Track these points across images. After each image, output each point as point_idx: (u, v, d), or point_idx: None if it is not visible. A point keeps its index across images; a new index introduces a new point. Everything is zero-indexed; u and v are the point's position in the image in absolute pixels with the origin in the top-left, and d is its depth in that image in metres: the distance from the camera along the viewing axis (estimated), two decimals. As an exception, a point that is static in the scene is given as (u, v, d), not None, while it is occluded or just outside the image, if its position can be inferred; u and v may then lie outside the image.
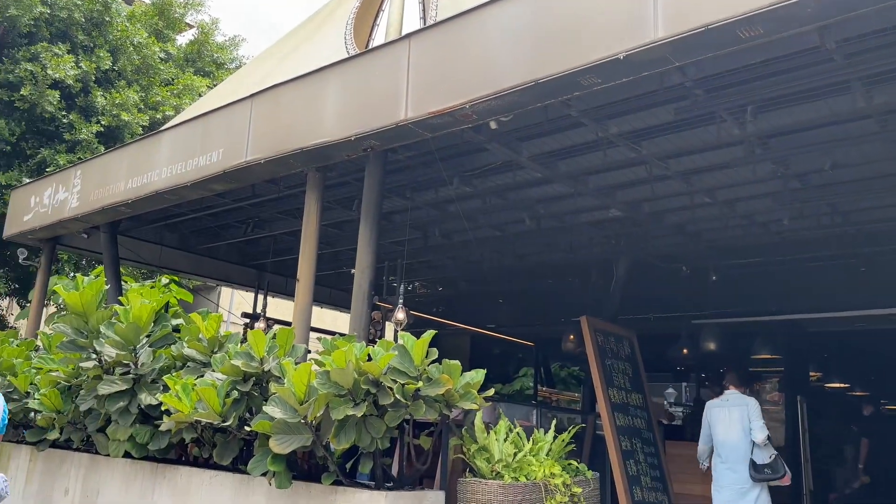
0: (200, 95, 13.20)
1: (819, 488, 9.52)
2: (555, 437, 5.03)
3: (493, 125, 4.69)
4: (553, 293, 10.94)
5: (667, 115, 5.49)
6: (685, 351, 9.46)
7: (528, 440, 4.99)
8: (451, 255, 10.04)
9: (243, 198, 7.83)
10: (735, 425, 5.90)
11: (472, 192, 7.21)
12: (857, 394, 14.54)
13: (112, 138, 12.55)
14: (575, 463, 5.08)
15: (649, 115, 5.53)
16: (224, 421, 4.46)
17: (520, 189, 7.21)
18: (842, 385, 13.25)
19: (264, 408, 4.20)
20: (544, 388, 13.59)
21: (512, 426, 5.01)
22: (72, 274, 11.73)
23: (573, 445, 5.09)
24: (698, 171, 6.52)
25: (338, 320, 11.86)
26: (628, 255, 8.88)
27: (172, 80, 14.26)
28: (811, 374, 11.64)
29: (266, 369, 4.53)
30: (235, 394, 4.54)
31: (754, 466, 5.78)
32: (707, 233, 8.50)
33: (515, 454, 4.79)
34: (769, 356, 10.30)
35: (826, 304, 9.29)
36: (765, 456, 5.80)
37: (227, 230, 9.52)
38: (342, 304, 10.79)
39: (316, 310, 8.83)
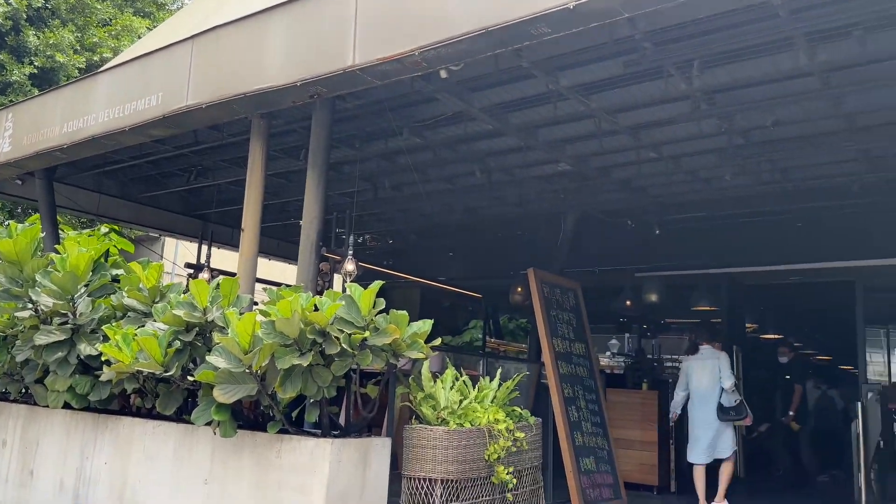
0: (140, 37, 12.63)
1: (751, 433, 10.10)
2: (500, 385, 5.14)
3: (443, 74, 4.63)
4: (502, 246, 11.04)
5: (616, 69, 5.50)
6: (629, 303, 9.72)
7: (474, 388, 5.09)
8: (402, 207, 9.99)
9: (185, 145, 7.60)
10: (707, 375, 6.96)
11: (422, 144, 7.15)
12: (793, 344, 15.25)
13: (46, 81, 11.96)
14: (518, 409, 5.21)
15: (599, 68, 5.53)
16: (166, 371, 4.40)
17: (470, 141, 7.17)
18: (776, 336, 13.87)
19: (208, 358, 4.15)
20: (493, 340, 13.84)
21: (458, 375, 5.09)
22: (6, 222, 11.27)
23: (517, 393, 5.21)
24: (645, 126, 6.59)
25: (286, 272, 11.75)
26: (576, 210, 8.99)
27: (110, 20, 13.61)
28: (747, 325, 12.13)
29: (209, 319, 4.47)
30: (178, 344, 4.47)
31: (721, 409, 6.84)
32: (653, 188, 8.65)
33: (461, 402, 4.88)
34: (708, 308, 10.67)
35: (763, 259, 9.63)
36: (731, 400, 6.87)
37: (169, 179, 9.25)
38: (291, 256, 10.68)
39: (264, 262, 8.72)
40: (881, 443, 7.65)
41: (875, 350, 10.51)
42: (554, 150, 7.15)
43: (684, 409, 7.13)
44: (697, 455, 6.79)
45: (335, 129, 6.34)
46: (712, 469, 6.91)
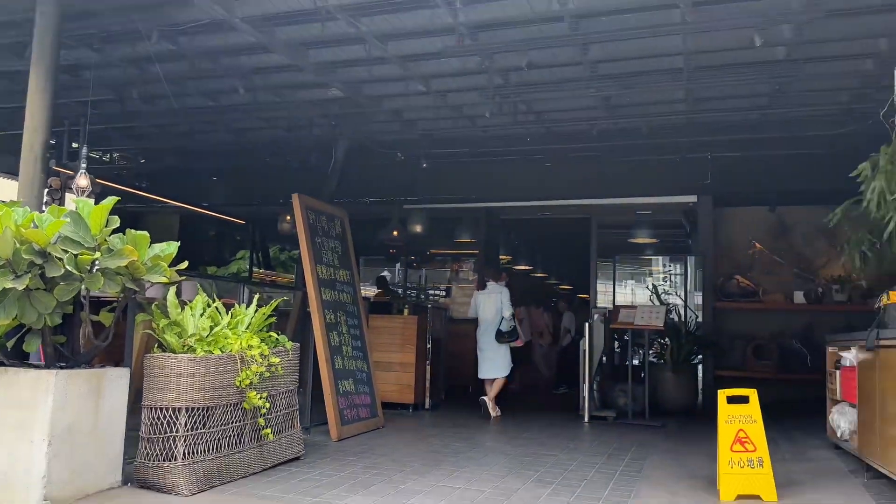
0: None
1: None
2: (256, 311, 5.00)
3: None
4: (272, 173, 10.65)
5: (384, -8, 5.42)
6: (395, 233, 9.98)
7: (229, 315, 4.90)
8: (156, 123, 9.14)
9: None
10: (492, 306, 8.31)
11: (177, 52, 6.52)
12: (539, 274, 16.82)
13: None
14: (275, 335, 5.13)
15: (369, -12, 5.41)
16: None
17: (233, 54, 6.70)
18: (526, 267, 15.19)
19: None
20: (262, 271, 13.44)
21: (210, 302, 4.86)
22: None
23: (273, 318, 5.12)
24: (414, 57, 6.64)
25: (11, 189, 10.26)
26: (347, 138, 8.92)
27: None
28: (501, 256, 13.10)
29: None
30: None
31: (500, 333, 8.21)
32: (422, 122, 8.83)
33: (212, 328, 4.67)
34: (468, 240, 11.32)
35: (517, 195, 10.40)
36: (508, 326, 8.26)
37: None
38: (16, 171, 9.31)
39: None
40: (604, 358, 8.80)
41: (606, 281, 11.97)
42: (324, 72, 6.95)
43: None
44: (485, 372, 8.24)
45: (70, 25, 5.54)
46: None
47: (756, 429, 4.45)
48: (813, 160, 8.75)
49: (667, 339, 9.15)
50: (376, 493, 4.35)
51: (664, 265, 11.24)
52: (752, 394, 4.54)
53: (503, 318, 8.24)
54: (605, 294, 11.20)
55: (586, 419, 7.88)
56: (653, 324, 8.03)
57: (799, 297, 9.60)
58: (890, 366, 3.99)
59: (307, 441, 5.78)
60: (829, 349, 5.76)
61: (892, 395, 3.90)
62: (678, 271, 10.50)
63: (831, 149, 8.18)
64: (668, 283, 10.76)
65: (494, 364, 8.20)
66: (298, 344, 5.36)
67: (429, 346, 8.31)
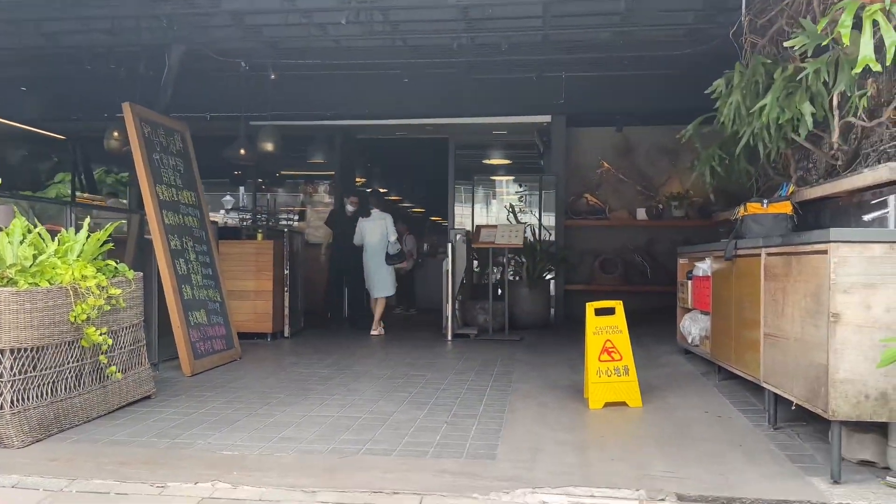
0: None
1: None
2: (88, 237, 4.35)
3: None
4: (94, 83, 9.37)
5: None
6: (243, 151, 9.23)
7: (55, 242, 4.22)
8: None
9: None
10: (377, 232, 8.65)
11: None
12: (395, 197, 16.60)
13: None
14: (114, 263, 4.51)
15: None
16: None
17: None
18: (383, 189, 14.89)
19: None
20: (86, 196, 12.05)
21: (32, 227, 4.15)
22: None
23: (111, 245, 4.49)
24: (260, -51, 5.93)
25: None
26: (183, 43, 7.96)
27: None
28: (358, 178, 12.70)
29: None
30: None
31: (388, 257, 8.63)
32: (267, 28, 8.06)
33: (36, 258, 4.00)
34: (322, 161, 10.80)
35: (373, 112, 9.97)
36: (394, 250, 8.70)
37: None
38: None
39: None
40: (464, 279, 8.84)
41: (464, 205, 12.00)
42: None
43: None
44: (377, 292, 8.68)
45: None
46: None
47: (622, 339, 4.60)
48: (658, 81, 9.07)
49: (523, 257, 9.35)
50: (243, 428, 4.03)
51: (520, 185, 11.42)
52: (618, 305, 4.67)
53: (389, 241, 8.65)
54: (462, 217, 11.23)
55: (449, 338, 7.92)
56: (513, 242, 8.12)
57: (641, 213, 10.14)
58: (746, 274, 4.21)
59: (157, 379, 5.29)
60: (681, 261, 6.08)
61: (748, 302, 4.14)
62: (532, 192, 10.71)
63: (676, 70, 8.50)
64: (524, 202, 10.96)
65: (385, 284, 8.64)
66: (141, 273, 4.78)
67: (286, 272, 7.89)
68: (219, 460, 3.45)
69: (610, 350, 4.59)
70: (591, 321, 4.64)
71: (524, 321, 9.00)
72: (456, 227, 10.18)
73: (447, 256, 8.00)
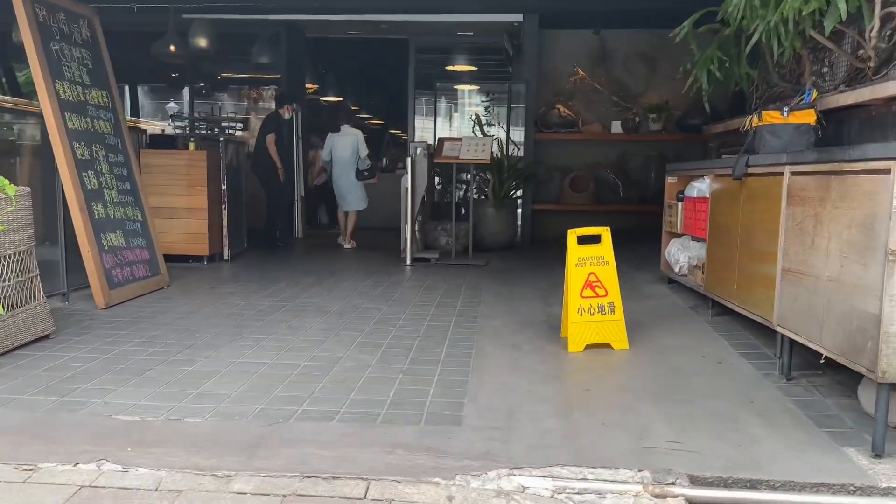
0: None
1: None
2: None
3: None
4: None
5: None
6: (173, 48, 8.08)
7: None
8: None
9: None
10: (348, 148, 8.62)
11: None
12: (352, 108, 15.46)
13: None
14: (-12, 177, 3.63)
15: None
16: None
17: None
18: (336, 98, 13.78)
19: None
20: (8, 98, 10.70)
21: None
22: None
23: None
24: None
25: None
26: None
27: None
28: (308, 85, 11.59)
29: None
30: None
31: (358, 173, 8.66)
32: None
33: None
34: (267, 61, 9.69)
35: (324, 6, 8.81)
36: (364, 165, 8.68)
37: None
38: None
39: None
40: (425, 197, 8.04)
41: (426, 118, 10.99)
42: None
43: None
44: (348, 205, 8.74)
45: None
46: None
47: (608, 272, 3.94)
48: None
49: (488, 174, 8.58)
50: (153, 381, 3.29)
51: (487, 95, 10.41)
52: (605, 232, 3.98)
53: (360, 157, 8.60)
54: (424, 130, 10.27)
55: (408, 263, 7.20)
56: (479, 157, 7.33)
57: (616, 126, 9.38)
58: (760, 196, 3.54)
59: (65, 311, 4.50)
60: (670, 179, 5.39)
61: (762, 230, 3.49)
62: (500, 103, 9.80)
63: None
64: (490, 114, 10.05)
65: (357, 199, 8.71)
66: (28, 188, 3.88)
67: (224, 187, 6.99)
68: (113, 428, 2.73)
69: (594, 285, 3.93)
70: (573, 251, 3.95)
71: (489, 243, 8.34)
72: (416, 140, 9.33)
73: (406, 172, 7.17)
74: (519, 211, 9.09)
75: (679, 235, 5.18)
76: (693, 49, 5.31)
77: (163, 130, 10.24)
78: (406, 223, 7.25)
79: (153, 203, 6.05)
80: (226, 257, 7.11)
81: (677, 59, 6.06)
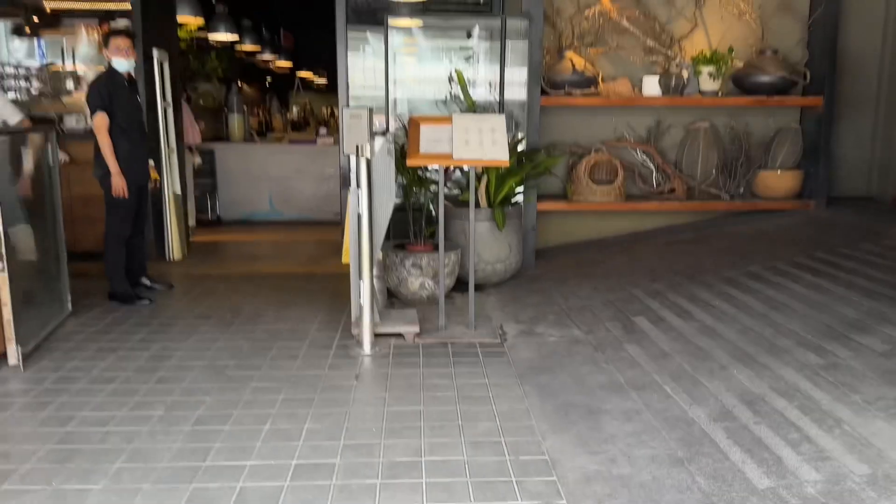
0: None
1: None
2: None
3: None
4: None
5: None
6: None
7: None
8: None
9: None
10: None
11: None
12: (251, 48, 11.86)
13: None
14: None
15: None
16: None
17: None
18: (230, 37, 10.11)
19: None
20: None
21: None
22: None
23: None
24: None
25: None
26: None
27: None
28: (182, 18, 7.94)
29: None
30: None
31: None
32: None
33: None
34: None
35: None
36: None
37: None
38: None
39: None
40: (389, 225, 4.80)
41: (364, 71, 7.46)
42: None
43: None
44: None
45: None
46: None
47: None
48: None
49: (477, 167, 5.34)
50: None
51: (468, 35, 6.65)
52: None
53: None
54: (369, 89, 6.38)
55: (366, 349, 3.98)
56: (490, 157, 4.09)
57: (651, 85, 6.36)
58: None
59: None
60: None
61: None
62: (484, 49, 6.43)
63: None
64: (470, 63, 6.63)
65: None
66: None
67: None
68: None
69: None
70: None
71: (484, 273, 5.26)
72: (353, 105, 5.81)
73: (352, 179, 3.88)
74: (522, 217, 5.95)
75: None
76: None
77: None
78: (361, 277, 4.00)
79: None
80: (13, 361, 3.68)
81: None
